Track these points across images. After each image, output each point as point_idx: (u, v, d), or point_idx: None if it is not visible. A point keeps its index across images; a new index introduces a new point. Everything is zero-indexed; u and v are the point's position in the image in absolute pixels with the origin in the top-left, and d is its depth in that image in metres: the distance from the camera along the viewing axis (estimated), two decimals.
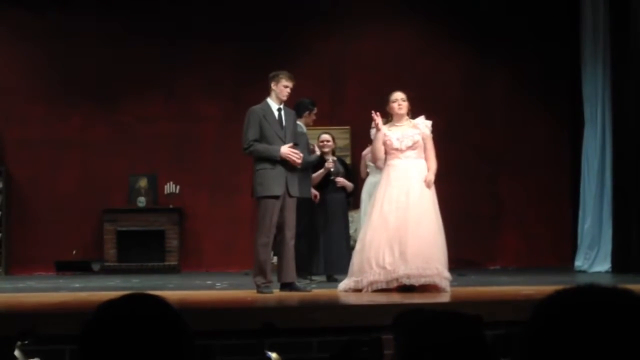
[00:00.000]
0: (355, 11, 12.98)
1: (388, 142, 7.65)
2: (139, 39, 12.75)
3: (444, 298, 6.93)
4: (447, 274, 7.33)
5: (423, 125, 7.70)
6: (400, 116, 7.74)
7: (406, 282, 7.25)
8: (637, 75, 10.76)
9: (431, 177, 7.54)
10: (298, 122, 9.12)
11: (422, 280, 7.23)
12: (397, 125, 7.72)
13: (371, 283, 7.35)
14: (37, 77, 12.79)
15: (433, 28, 13.08)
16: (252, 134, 7.64)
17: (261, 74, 12.56)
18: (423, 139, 7.65)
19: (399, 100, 7.72)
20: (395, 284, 7.31)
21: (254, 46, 12.79)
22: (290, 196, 7.59)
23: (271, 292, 7.35)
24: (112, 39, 12.74)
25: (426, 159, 7.65)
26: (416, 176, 7.55)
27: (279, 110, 7.72)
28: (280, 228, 7.57)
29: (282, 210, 7.54)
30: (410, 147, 7.62)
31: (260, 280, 7.45)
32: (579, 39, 11.89)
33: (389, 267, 7.29)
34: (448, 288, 7.27)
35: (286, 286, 7.58)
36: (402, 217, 7.38)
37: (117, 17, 12.77)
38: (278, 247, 7.66)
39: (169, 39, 12.75)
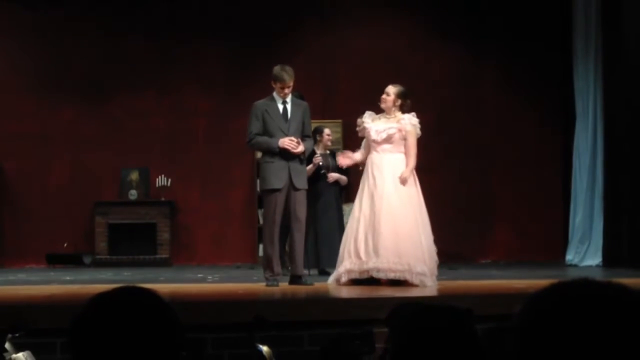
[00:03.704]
0: (348, 7, 12.96)
1: (368, 135, 7.73)
2: (131, 33, 12.71)
3: (436, 292, 6.94)
4: (420, 269, 7.26)
5: (406, 121, 7.68)
6: (387, 110, 7.76)
7: (375, 275, 7.34)
8: (628, 70, 10.79)
9: (406, 174, 7.52)
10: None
11: (392, 275, 7.28)
12: (386, 117, 7.76)
13: (347, 271, 7.46)
14: (29, 71, 12.73)
15: (424, 24, 13.07)
16: (254, 127, 7.64)
17: (253, 68, 12.64)
18: (404, 134, 7.63)
19: (384, 94, 7.77)
20: (366, 275, 7.41)
21: (246, 41, 12.77)
22: (296, 189, 7.57)
23: (277, 286, 7.35)
24: (104, 33, 12.69)
25: (406, 154, 7.65)
26: (389, 170, 7.58)
27: (284, 103, 7.69)
28: (287, 221, 7.59)
29: (288, 203, 7.53)
30: (385, 140, 7.64)
31: (267, 273, 7.49)
32: (571, 34, 11.91)
33: (363, 258, 7.39)
34: (427, 284, 7.22)
35: (292, 279, 7.61)
36: (377, 210, 7.45)
37: (110, 11, 12.72)
38: (288, 240, 7.74)
39: (161, 33, 12.71)
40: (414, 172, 7.68)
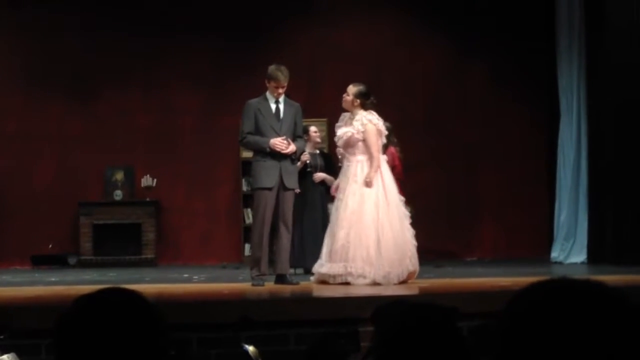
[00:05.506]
0: (333, 3, 12.96)
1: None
2: (117, 31, 12.65)
3: (421, 290, 6.96)
4: (362, 271, 7.29)
5: (358, 121, 7.58)
6: (348, 109, 7.70)
7: (331, 281, 7.42)
8: (611, 68, 10.83)
9: (371, 175, 7.46)
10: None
11: (340, 280, 7.35)
12: (350, 119, 7.70)
13: (316, 271, 7.60)
14: (14, 69, 12.67)
15: (410, 19, 13.09)
16: (247, 126, 7.65)
17: (239, 65, 12.63)
18: (360, 135, 7.53)
19: (344, 93, 7.70)
20: (325, 278, 7.53)
21: (232, 38, 12.74)
22: (286, 189, 7.56)
23: (262, 285, 7.34)
24: (90, 31, 12.63)
25: (368, 155, 7.58)
26: (350, 173, 7.56)
27: (277, 103, 7.68)
28: (275, 220, 7.58)
29: (278, 202, 7.52)
30: (344, 145, 7.62)
31: (254, 272, 7.49)
32: (555, 31, 11.95)
33: (322, 260, 7.55)
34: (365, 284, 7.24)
35: (278, 278, 7.60)
36: (336, 214, 7.58)
37: (95, 8, 12.66)
38: (274, 239, 7.74)
39: (147, 30, 12.66)
40: (381, 166, 7.60)
